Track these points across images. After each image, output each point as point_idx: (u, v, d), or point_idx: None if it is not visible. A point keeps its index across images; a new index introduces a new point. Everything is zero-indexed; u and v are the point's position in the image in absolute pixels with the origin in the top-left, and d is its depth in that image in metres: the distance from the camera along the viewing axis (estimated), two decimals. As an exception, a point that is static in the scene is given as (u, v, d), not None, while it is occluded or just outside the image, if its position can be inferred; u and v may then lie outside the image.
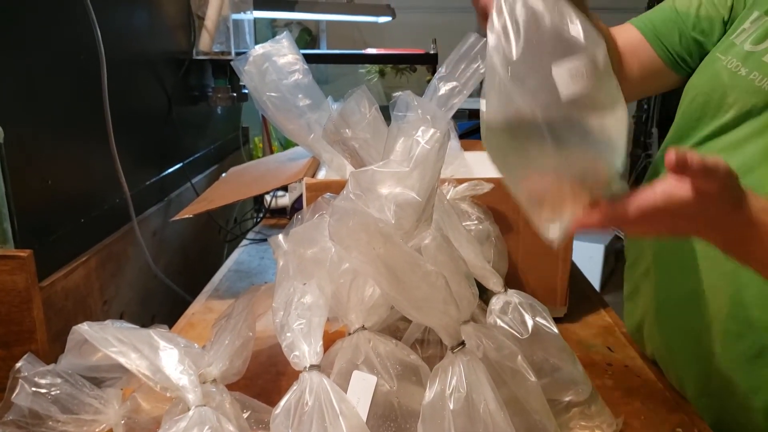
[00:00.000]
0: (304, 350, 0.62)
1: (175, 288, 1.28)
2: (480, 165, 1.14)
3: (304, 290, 0.67)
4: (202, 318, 1.07)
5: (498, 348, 0.66)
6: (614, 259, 3.39)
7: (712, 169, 0.52)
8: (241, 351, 0.73)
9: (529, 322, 0.72)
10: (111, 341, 0.63)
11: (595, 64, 0.50)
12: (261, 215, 1.61)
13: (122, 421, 0.68)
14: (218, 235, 1.68)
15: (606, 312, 1.10)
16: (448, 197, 0.88)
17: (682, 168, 0.51)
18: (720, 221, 0.56)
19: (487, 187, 0.93)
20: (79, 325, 0.66)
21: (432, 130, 0.56)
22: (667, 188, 0.53)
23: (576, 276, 1.21)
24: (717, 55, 0.76)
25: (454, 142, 1.15)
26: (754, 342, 0.71)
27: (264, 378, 0.87)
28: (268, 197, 1.62)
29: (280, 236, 0.82)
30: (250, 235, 1.53)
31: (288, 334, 0.64)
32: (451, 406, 0.54)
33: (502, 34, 0.51)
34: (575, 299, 1.07)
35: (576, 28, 0.50)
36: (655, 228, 0.58)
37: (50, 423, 0.68)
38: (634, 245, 0.95)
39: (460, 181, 0.93)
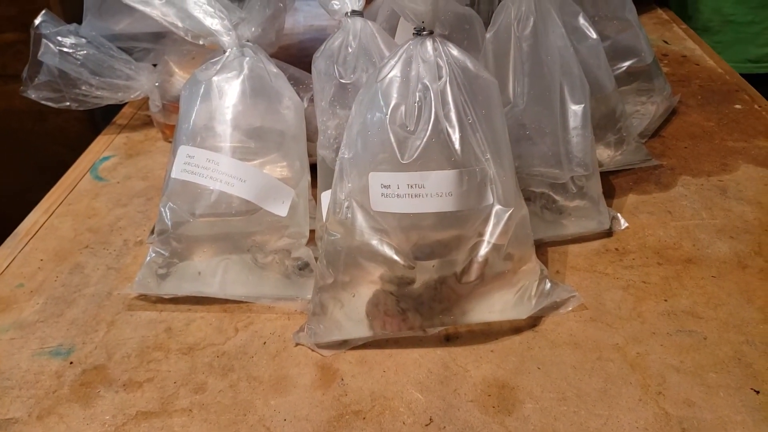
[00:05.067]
0: (344, -5, 0.55)
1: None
2: None
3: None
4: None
5: (559, 6, 0.59)
6: None
7: None
8: (273, 21, 0.67)
9: (595, -21, 0.64)
10: (132, -13, 0.57)
11: None
12: None
13: (156, 84, 0.65)
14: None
15: (663, 11, 1.01)
16: None
17: None
18: None
19: None
20: (96, -25, 0.60)
21: None
22: None
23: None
24: None
25: None
26: None
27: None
28: None
29: None
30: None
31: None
32: (518, 33, 0.49)
33: None
34: None
35: None
36: None
37: (83, 87, 0.65)
38: None
39: None
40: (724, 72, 0.81)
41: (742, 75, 0.82)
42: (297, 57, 0.86)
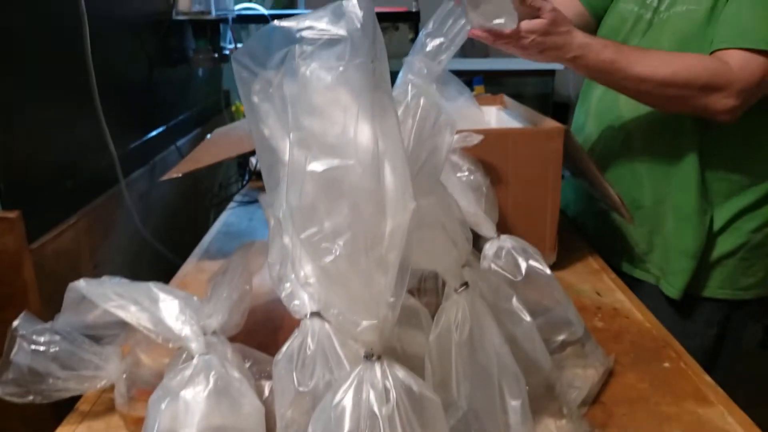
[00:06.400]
0: (304, 298, 0.62)
1: (164, 251, 1.27)
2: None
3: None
4: (194, 278, 1.07)
5: (493, 291, 0.67)
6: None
7: (541, 6, 0.91)
8: (239, 304, 0.74)
9: (523, 265, 0.73)
10: (109, 295, 0.63)
11: None
12: (246, 178, 1.61)
13: (123, 376, 0.69)
14: (204, 199, 1.67)
15: (594, 259, 1.12)
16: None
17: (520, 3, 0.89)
18: (556, 43, 0.92)
19: (477, 139, 0.93)
20: (76, 281, 0.66)
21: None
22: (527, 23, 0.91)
23: (564, 226, 1.22)
24: (621, 5, 1.15)
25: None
26: None
27: (261, 333, 0.87)
28: (253, 159, 1.60)
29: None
30: (237, 197, 1.52)
31: (287, 285, 0.64)
32: (457, 338, 0.55)
33: None
34: (564, 248, 1.08)
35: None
36: (519, 44, 0.93)
37: (50, 381, 0.68)
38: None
39: (450, 133, 0.93)
40: (651, 327, 0.89)
41: (731, 300, 1.05)
42: (262, 322, 0.91)
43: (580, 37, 0.94)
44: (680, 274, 1.06)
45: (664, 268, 1.09)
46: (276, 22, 0.51)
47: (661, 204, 1.07)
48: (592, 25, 1.22)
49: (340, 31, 0.49)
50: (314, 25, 0.50)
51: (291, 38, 0.50)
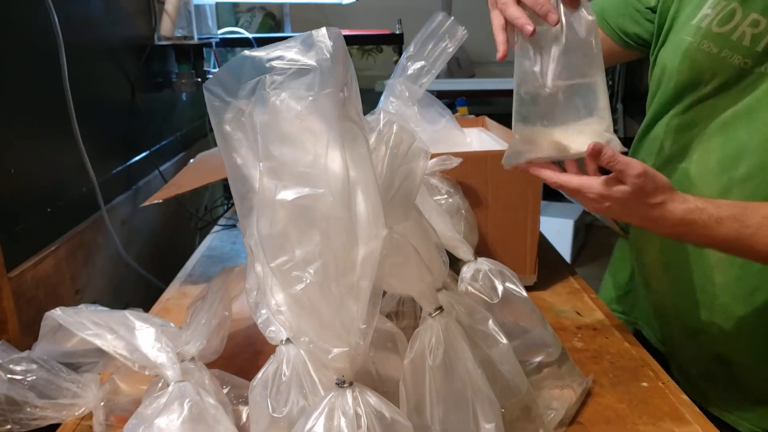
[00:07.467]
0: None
1: (147, 276, 1.27)
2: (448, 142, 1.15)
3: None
4: (177, 303, 1.06)
5: (470, 313, 0.67)
6: (584, 234, 3.46)
7: (622, 170, 0.64)
8: (218, 330, 0.74)
9: (499, 288, 0.74)
10: (86, 324, 0.63)
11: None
12: (231, 201, 1.61)
13: (101, 404, 0.68)
14: (189, 222, 1.67)
15: (575, 279, 1.13)
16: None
17: (594, 157, 0.65)
18: (645, 216, 0.68)
19: (456, 162, 0.94)
20: (52, 310, 0.66)
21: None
22: (583, 179, 0.68)
23: (545, 247, 1.23)
24: (685, 38, 0.83)
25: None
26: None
27: (242, 357, 0.88)
28: (237, 183, 1.61)
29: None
30: (221, 221, 1.52)
31: (263, 311, 0.65)
32: (431, 363, 0.55)
33: None
34: (544, 269, 1.09)
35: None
36: (587, 203, 0.70)
37: (28, 409, 0.68)
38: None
39: (431, 156, 0.94)
40: (630, 346, 0.89)
41: None
42: (243, 346, 0.91)
43: (680, 210, 0.66)
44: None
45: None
46: (246, 52, 0.52)
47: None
48: (619, 53, 0.99)
49: (309, 60, 0.49)
50: (284, 54, 0.50)
51: (261, 68, 0.51)
